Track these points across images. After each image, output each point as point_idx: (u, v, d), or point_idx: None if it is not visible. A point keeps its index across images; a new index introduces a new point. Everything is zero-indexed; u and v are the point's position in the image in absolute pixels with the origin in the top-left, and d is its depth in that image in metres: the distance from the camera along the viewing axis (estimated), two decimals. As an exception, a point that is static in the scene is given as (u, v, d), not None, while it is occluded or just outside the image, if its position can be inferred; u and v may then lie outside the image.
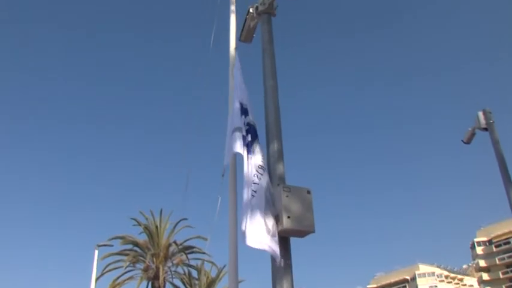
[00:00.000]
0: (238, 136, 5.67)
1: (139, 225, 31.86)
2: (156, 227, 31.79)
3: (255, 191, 5.20)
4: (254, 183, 5.25)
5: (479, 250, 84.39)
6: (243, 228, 5.04)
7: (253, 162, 5.40)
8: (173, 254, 31.96)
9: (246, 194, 5.21)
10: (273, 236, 5.01)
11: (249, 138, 5.60)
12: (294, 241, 5.28)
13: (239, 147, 5.55)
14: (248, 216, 5.06)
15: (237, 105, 5.96)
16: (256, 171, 5.33)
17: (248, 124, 5.74)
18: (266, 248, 4.92)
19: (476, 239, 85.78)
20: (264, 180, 5.31)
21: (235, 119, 5.86)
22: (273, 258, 5.06)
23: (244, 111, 5.90)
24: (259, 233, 4.99)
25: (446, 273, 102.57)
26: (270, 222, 5.08)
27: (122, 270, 30.10)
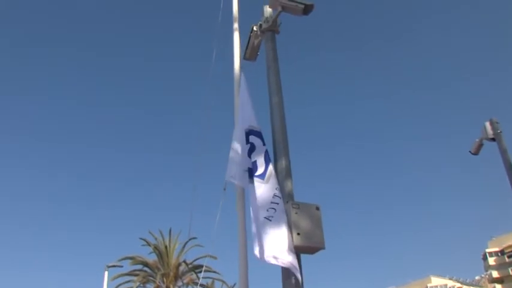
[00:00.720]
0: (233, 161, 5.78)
1: (149, 245, 31.89)
2: (166, 246, 31.80)
3: (274, 209, 5.18)
4: (273, 202, 5.23)
5: (491, 261, 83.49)
6: (260, 245, 5.06)
7: (269, 186, 5.38)
8: (183, 274, 31.92)
9: (261, 215, 5.18)
10: (292, 252, 5.00)
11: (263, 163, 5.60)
12: (304, 258, 5.26)
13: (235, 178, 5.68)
14: (265, 234, 5.05)
15: (243, 129, 5.94)
16: (274, 194, 5.32)
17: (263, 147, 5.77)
18: (287, 265, 4.91)
19: (488, 250, 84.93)
20: (281, 202, 5.30)
21: (241, 141, 5.88)
22: (285, 275, 5.05)
23: (257, 134, 5.89)
24: (278, 249, 4.97)
25: (458, 285, 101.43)
26: (289, 239, 5.06)
27: (132, 291, 30.06)
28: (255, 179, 5.48)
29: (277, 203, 5.26)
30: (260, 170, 5.54)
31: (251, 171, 5.59)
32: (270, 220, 5.13)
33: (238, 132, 6.00)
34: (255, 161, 5.62)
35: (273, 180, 5.46)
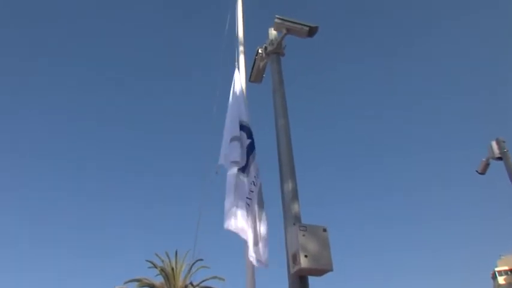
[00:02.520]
0: (236, 146, 6.45)
1: (155, 267, 31.77)
2: (172, 268, 31.66)
3: (251, 199, 6.14)
4: (248, 197, 6.14)
5: (501, 280, 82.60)
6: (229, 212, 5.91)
7: (248, 180, 6.29)
8: (190, 295, 31.69)
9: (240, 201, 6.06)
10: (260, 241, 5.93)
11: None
12: (312, 280, 5.24)
13: (238, 158, 6.35)
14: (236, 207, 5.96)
15: (237, 119, 6.74)
16: (250, 188, 6.25)
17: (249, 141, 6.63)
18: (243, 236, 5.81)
19: (497, 269, 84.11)
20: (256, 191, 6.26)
21: (234, 127, 6.65)
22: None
23: (245, 128, 6.69)
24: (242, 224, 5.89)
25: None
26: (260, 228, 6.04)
27: (139, 314, 29.89)
28: (240, 172, 6.28)
29: (253, 192, 6.22)
30: (242, 163, 6.37)
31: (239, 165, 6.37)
32: (249, 205, 6.09)
33: (234, 123, 6.73)
34: (241, 153, 6.44)
35: (252, 173, 6.38)
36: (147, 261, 31.93)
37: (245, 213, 5.97)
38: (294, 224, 5.28)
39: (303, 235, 5.12)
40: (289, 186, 5.65)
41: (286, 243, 5.32)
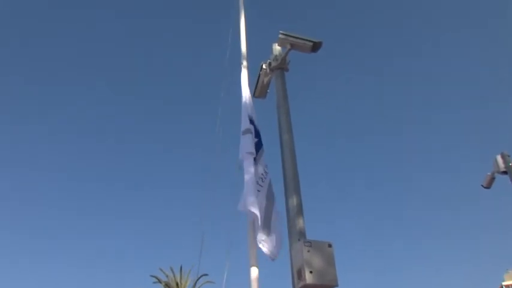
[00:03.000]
0: (249, 138, 6.59)
1: (160, 282, 31.69)
2: (177, 284, 31.56)
3: (261, 186, 6.30)
4: (261, 177, 6.38)
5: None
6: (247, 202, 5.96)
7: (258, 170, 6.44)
8: (195, 311, 31.54)
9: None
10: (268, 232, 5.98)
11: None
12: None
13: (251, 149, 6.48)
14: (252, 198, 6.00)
15: (246, 113, 6.89)
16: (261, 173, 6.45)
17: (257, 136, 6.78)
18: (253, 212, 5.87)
19: (504, 283, 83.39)
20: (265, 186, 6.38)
21: (245, 120, 6.80)
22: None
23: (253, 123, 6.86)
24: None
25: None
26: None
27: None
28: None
29: (262, 187, 6.34)
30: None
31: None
32: (259, 191, 6.23)
33: (244, 116, 6.89)
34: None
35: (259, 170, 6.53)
36: (152, 276, 31.88)
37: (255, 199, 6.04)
38: (299, 240, 5.27)
39: (308, 251, 5.10)
40: (293, 201, 5.64)
41: (291, 258, 5.31)
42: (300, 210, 5.62)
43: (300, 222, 5.53)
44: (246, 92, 7.24)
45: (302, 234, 5.45)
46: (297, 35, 6.84)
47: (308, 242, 5.20)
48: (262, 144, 6.74)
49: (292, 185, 5.77)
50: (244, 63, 7.72)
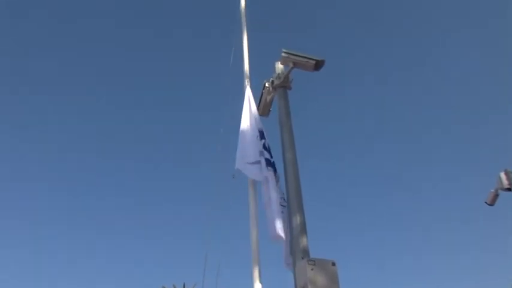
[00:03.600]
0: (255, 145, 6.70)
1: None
2: (180, 301, 31.31)
3: (284, 206, 6.19)
4: (282, 205, 6.21)
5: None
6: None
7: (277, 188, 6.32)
8: (198, 329, 31.34)
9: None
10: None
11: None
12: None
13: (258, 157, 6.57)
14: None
15: (256, 127, 6.97)
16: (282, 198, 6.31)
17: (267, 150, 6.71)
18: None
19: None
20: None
21: (253, 134, 6.90)
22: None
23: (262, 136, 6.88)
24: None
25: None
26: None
27: None
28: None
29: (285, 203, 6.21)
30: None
31: (268, 161, 6.49)
32: (283, 212, 6.15)
33: (251, 127, 6.97)
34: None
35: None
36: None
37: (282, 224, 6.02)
38: (303, 258, 5.26)
39: (312, 269, 5.08)
40: (297, 219, 5.64)
41: (294, 277, 5.30)
42: (303, 229, 5.61)
43: (304, 241, 5.53)
44: (253, 108, 7.34)
45: (306, 252, 5.44)
46: (299, 53, 6.87)
47: (312, 260, 5.19)
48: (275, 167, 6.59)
49: (295, 203, 5.77)
50: (247, 82, 7.78)
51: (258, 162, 6.54)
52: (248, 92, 7.53)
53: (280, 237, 5.84)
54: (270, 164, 6.47)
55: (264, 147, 6.69)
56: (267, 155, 6.56)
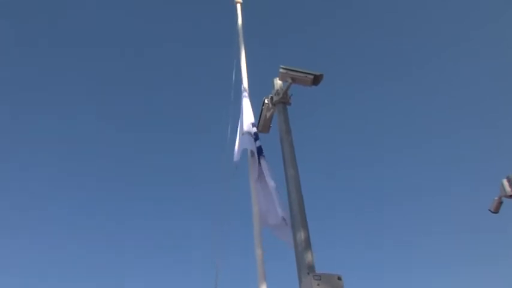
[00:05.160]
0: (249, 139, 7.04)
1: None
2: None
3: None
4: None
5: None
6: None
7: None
8: None
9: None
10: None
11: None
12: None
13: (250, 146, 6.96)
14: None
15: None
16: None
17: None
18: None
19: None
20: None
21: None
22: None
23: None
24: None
25: None
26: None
27: None
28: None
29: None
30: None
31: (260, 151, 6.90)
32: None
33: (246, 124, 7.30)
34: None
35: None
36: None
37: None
38: (308, 274, 5.23)
39: (318, 284, 5.05)
40: (301, 236, 5.61)
41: (301, 293, 5.28)
42: (308, 245, 5.58)
43: (309, 256, 5.50)
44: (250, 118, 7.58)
45: (311, 268, 5.42)
46: (297, 69, 6.90)
47: (317, 275, 5.15)
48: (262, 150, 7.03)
49: (299, 219, 5.74)
50: (246, 94, 7.83)
51: (249, 133, 7.13)
52: (247, 102, 7.69)
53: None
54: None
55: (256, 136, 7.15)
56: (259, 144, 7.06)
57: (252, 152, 7.00)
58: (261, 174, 6.77)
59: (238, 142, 7.32)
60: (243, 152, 7.20)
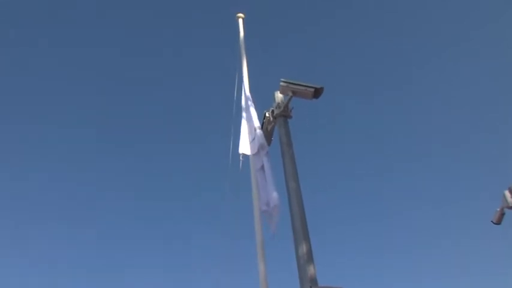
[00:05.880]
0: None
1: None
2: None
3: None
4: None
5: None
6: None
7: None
8: None
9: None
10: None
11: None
12: None
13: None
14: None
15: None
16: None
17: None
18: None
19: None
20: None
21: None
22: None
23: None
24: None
25: None
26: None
27: None
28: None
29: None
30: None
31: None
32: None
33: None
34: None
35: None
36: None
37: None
38: (311, 287, 5.23)
39: (320, 297, 5.06)
40: (303, 249, 5.60)
41: (303, 306, 5.27)
42: (310, 258, 5.57)
43: (311, 269, 5.49)
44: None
45: (313, 281, 5.40)
46: (298, 82, 6.92)
47: (320, 288, 5.16)
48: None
49: (300, 232, 5.73)
50: (250, 103, 7.87)
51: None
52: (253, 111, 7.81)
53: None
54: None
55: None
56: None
57: (262, 145, 7.08)
58: (262, 166, 6.94)
59: (249, 135, 7.56)
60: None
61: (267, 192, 6.46)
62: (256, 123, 7.26)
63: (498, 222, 10.34)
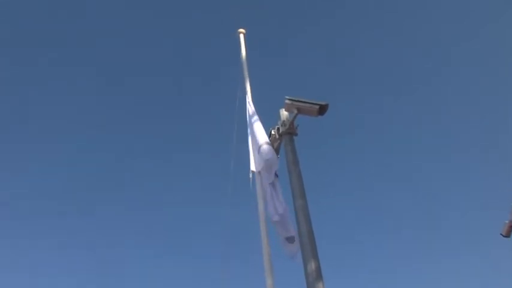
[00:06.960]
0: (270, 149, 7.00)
1: None
2: None
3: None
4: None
5: None
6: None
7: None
8: None
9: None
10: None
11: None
12: None
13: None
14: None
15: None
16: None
17: None
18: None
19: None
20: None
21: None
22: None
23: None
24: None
25: None
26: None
27: None
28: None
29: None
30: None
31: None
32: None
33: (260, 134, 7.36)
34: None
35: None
36: None
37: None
38: (320, 303, 5.21)
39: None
40: (312, 266, 5.57)
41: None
42: (319, 275, 5.55)
43: (320, 286, 5.48)
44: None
45: (323, 298, 5.39)
46: (303, 99, 6.90)
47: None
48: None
49: (309, 249, 5.71)
50: (249, 131, 7.87)
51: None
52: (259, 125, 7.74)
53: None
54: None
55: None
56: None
57: (273, 162, 7.02)
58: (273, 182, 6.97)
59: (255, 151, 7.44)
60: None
61: (280, 202, 6.62)
62: (263, 139, 7.18)
63: (507, 235, 10.27)
